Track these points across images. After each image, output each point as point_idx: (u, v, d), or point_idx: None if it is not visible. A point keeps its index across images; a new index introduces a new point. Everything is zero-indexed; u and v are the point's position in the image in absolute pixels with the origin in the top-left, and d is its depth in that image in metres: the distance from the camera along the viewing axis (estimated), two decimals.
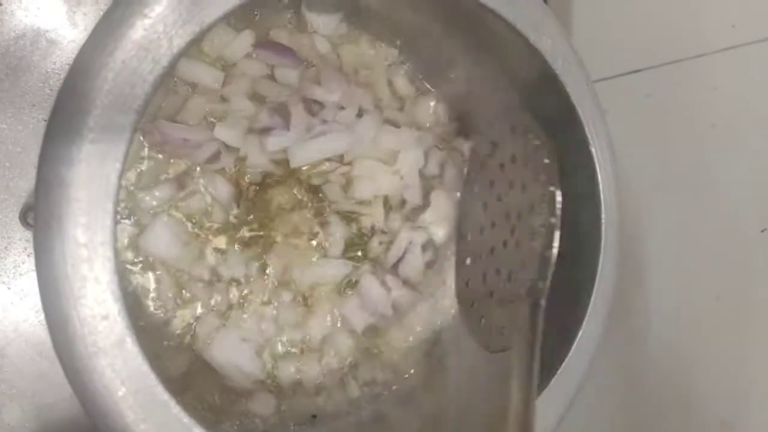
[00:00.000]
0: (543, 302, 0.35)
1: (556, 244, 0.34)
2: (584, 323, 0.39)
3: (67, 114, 0.26)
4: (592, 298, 0.40)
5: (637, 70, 0.52)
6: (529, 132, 0.38)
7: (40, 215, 0.26)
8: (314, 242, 0.42)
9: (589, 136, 0.40)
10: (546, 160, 0.35)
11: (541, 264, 0.34)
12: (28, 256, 0.43)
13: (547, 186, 0.35)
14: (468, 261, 0.43)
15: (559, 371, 0.38)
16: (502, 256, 0.39)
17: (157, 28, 0.27)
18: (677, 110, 0.51)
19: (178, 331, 0.38)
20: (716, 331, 0.48)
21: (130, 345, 0.26)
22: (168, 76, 0.27)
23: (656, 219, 0.52)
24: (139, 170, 0.38)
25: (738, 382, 0.47)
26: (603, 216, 0.40)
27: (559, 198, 0.34)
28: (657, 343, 0.51)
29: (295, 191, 0.42)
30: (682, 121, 0.50)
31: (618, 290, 0.41)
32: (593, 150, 0.40)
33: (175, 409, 0.27)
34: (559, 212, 0.34)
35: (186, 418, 0.27)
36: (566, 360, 0.39)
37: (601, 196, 0.40)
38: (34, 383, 0.43)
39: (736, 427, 0.46)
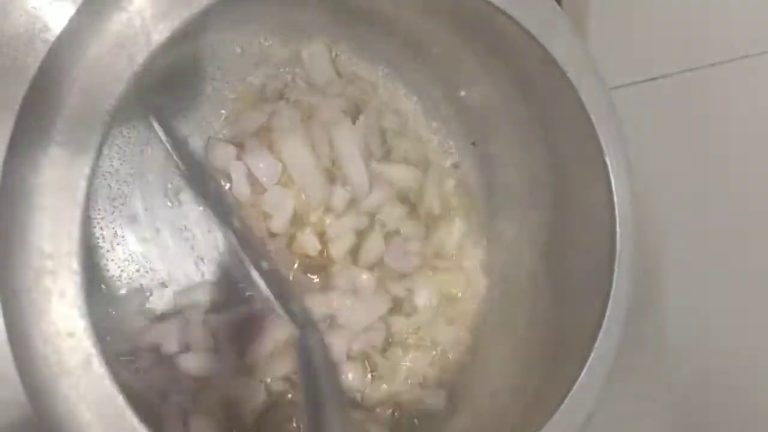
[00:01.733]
0: None
1: None
2: (598, 340, 0.38)
3: (34, 114, 0.24)
4: (606, 317, 0.38)
5: (655, 78, 0.51)
6: None
7: (2, 223, 0.24)
8: None
9: (604, 145, 0.39)
10: None
11: None
12: None
13: None
14: None
15: (576, 384, 0.37)
16: None
17: (134, 23, 0.25)
18: (696, 119, 0.49)
19: None
20: (735, 341, 0.47)
21: (97, 365, 0.24)
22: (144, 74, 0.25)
23: (674, 232, 0.51)
24: None
25: (759, 390, 0.45)
26: (618, 229, 0.39)
27: None
28: (675, 358, 0.50)
29: None
30: (700, 131, 0.49)
31: (634, 304, 0.39)
32: (608, 160, 0.39)
33: None
34: None
35: None
36: (584, 371, 0.37)
37: (617, 208, 0.39)
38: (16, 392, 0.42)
39: None
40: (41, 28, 0.41)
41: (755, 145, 0.45)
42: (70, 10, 0.42)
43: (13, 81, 0.41)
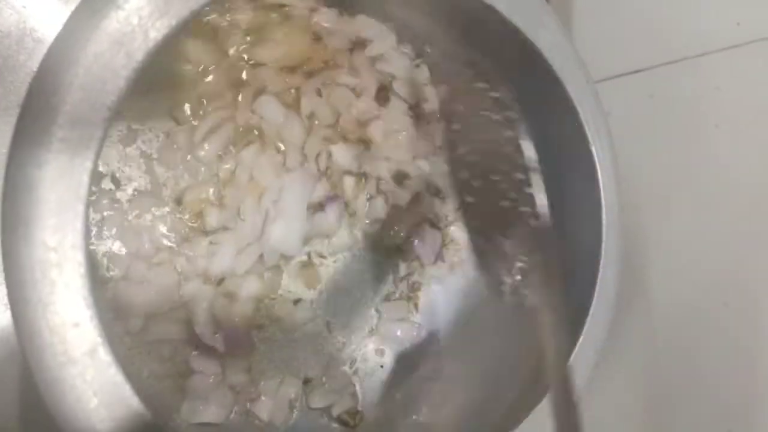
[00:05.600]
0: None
1: None
2: (584, 332, 0.38)
3: (35, 111, 0.25)
4: (593, 306, 0.39)
5: (639, 70, 0.51)
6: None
7: (6, 218, 0.24)
8: None
9: (589, 136, 0.39)
10: None
11: None
12: None
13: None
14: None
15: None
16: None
17: (131, 21, 0.25)
18: (680, 111, 0.50)
19: None
20: (724, 338, 0.47)
21: (103, 354, 0.25)
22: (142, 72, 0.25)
23: (660, 223, 0.51)
24: None
25: (746, 390, 0.45)
26: (604, 220, 0.39)
27: None
28: (662, 350, 0.50)
29: None
30: (685, 122, 0.49)
31: (621, 297, 0.40)
32: (594, 151, 0.39)
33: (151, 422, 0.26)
34: None
35: None
36: (574, 351, 0.38)
37: (602, 199, 0.39)
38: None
39: None
40: (32, 27, 0.42)
41: (739, 136, 0.46)
42: (60, 9, 0.42)
43: (8, 78, 0.42)
